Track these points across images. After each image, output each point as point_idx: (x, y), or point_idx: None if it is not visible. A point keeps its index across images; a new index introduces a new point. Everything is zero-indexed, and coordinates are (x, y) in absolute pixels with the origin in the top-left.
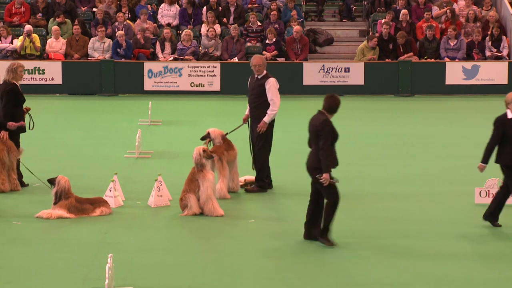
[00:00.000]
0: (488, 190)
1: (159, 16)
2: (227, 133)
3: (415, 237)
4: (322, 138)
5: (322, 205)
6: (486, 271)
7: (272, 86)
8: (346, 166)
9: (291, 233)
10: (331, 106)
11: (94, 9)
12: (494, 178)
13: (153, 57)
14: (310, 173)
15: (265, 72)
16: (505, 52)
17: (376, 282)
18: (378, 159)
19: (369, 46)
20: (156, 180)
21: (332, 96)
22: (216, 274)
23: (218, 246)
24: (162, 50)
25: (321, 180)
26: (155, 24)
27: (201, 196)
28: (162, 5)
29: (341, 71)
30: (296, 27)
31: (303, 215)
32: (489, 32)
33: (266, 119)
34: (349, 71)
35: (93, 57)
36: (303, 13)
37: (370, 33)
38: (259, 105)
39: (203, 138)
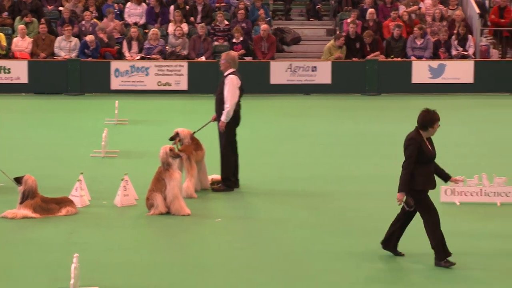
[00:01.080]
0: (454, 188)
1: (126, 15)
2: (195, 132)
3: (378, 234)
4: (405, 155)
5: (407, 223)
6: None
7: (229, 83)
8: (313, 165)
9: (258, 232)
10: (423, 121)
11: (61, 8)
12: (459, 176)
13: (120, 56)
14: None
15: (231, 70)
16: (471, 51)
17: (339, 282)
18: (345, 158)
19: (336, 45)
20: (122, 180)
21: (424, 111)
22: (183, 273)
23: (185, 245)
24: (129, 49)
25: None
26: (122, 23)
27: (168, 195)
28: (129, 4)
29: (308, 70)
30: (264, 26)
31: (270, 213)
32: (455, 31)
33: (223, 118)
34: (316, 70)
35: (60, 56)
36: (271, 12)
37: (337, 32)
38: (219, 101)
39: (172, 139)
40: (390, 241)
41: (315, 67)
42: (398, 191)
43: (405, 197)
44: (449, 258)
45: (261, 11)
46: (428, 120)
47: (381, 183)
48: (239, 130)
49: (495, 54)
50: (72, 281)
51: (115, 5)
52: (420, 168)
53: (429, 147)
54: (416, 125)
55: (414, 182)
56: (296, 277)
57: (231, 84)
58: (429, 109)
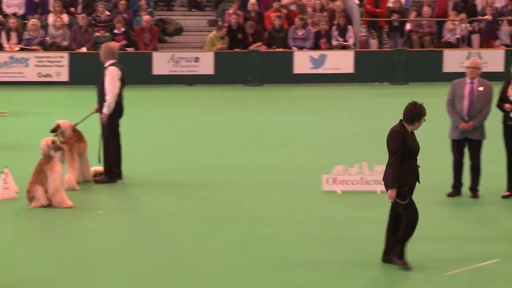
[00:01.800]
0: (335, 177)
1: (4, 6)
2: (76, 123)
3: (262, 224)
4: (389, 151)
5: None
6: (339, 251)
7: (109, 74)
8: (198, 155)
9: (141, 223)
10: (410, 115)
11: None
12: (340, 165)
13: None
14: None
15: (111, 61)
16: (351, 42)
17: (225, 268)
18: (229, 148)
19: (219, 35)
20: (2, 173)
21: (411, 104)
22: (65, 266)
23: (67, 238)
24: (8, 40)
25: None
26: (0, 14)
27: (49, 187)
28: None
29: (190, 61)
30: (145, 17)
31: (154, 205)
32: (335, 22)
33: (105, 109)
34: (198, 61)
35: None
36: (152, 3)
37: (219, 23)
38: (101, 93)
39: (53, 131)
40: (391, 253)
41: (197, 57)
42: (389, 188)
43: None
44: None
45: (143, 2)
46: (416, 113)
47: (265, 173)
48: (122, 122)
49: (374, 44)
50: None
51: None
52: (404, 163)
53: (414, 141)
54: (401, 118)
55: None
56: (181, 269)
57: (111, 76)
58: (416, 102)
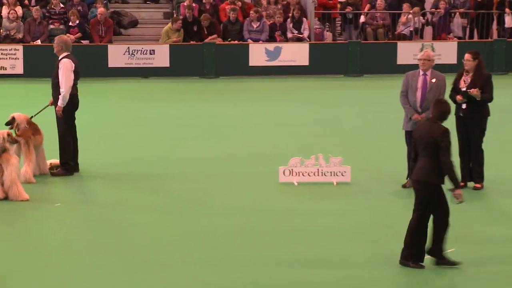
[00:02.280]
0: (292, 169)
1: None
2: (32, 116)
3: (218, 215)
4: (445, 150)
5: (426, 225)
6: (295, 243)
7: (63, 67)
8: (154, 147)
9: (98, 215)
10: (443, 112)
11: None
12: (297, 157)
13: None
14: (420, 188)
15: (64, 53)
16: (305, 34)
17: (182, 260)
18: (184, 140)
19: (174, 28)
20: None
21: (442, 102)
22: (22, 260)
23: (24, 231)
24: None
25: (456, 199)
26: None
27: (5, 180)
28: None
29: (146, 53)
30: (100, 9)
31: (111, 197)
32: (290, 14)
33: (60, 102)
34: (154, 54)
35: None
36: None
37: (174, 15)
38: (55, 85)
39: (8, 123)
40: (435, 250)
41: (153, 50)
42: (456, 188)
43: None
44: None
45: None
46: (448, 111)
47: (221, 164)
48: (78, 114)
49: (328, 37)
50: None
51: None
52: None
53: None
54: (433, 117)
55: (437, 175)
56: (136, 260)
57: (65, 68)
58: (442, 99)
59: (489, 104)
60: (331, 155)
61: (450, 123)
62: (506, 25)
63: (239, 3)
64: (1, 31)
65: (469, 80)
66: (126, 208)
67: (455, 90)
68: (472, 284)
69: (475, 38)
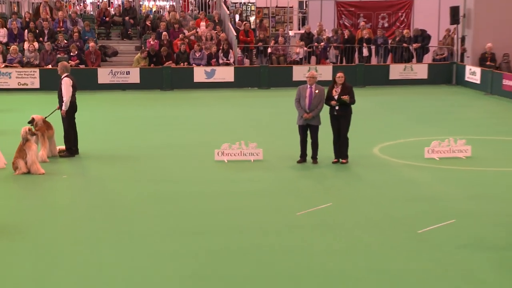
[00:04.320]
0: (223, 151)
1: None
2: (46, 117)
3: (171, 181)
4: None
5: None
6: (227, 201)
7: (64, 83)
8: (130, 138)
9: (92, 184)
10: None
11: None
12: (226, 143)
13: None
14: None
15: (65, 74)
16: (231, 60)
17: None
18: (151, 133)
19: (142, 57)
20: None
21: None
22: (38, 214)
23: (41, 194)
24: None
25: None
26: None
27: (28, 160)
28: None
29: (123, 74)
30: (91, 44)
31: (100, 172)
32: (221, 47)
33: (63, 107)
34: (129, 74)
35: None
36: (96, 34)
37: (142, 48)
38: (60, 96)
39: (29, 122)
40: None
41: (128, 71)
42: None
43: None
44: None
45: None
46: None
47: (175, 149)
48: (77, 115)
49: (247, 62)
50: None
51: None
52: None
53: None
54: None
55: None
56: (120, 213)
57: (66, 84)
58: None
59: (352, 106)
60: (250, 141)
61: (326, 119)
62: (364, 54)
63: (186, 40)
64: (24, 59)
65: (339, 90)
66: (111, 179)
67: (329, 97)
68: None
69: (344, 63)
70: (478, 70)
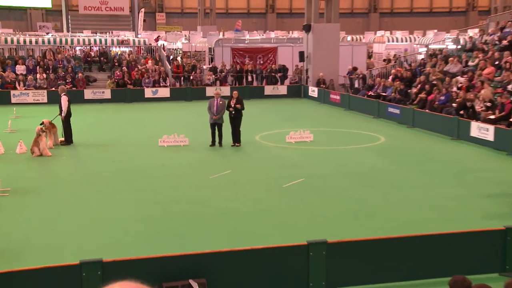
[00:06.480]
0: (164, 140)
1: (16, 70)
2: (52, 120)
3: (133, 159)
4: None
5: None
6: (163, 172)
7: (62, 99)
8: (107, 133)
9: (83, 163)
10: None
11: None
12: (166, 135)
13: (14, 87)
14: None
15: (63, 93)
16: (168, 83)
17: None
18: (118, 129)
19: (112, 82)
20: (19, 142)
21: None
22: (45, 181)
23: (48, 168)
24: (19, 85)
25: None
26: (14, 73)
27: (40, 147)
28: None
29: (100, 93)
30: (80, 74)
31: (89, 155)
32: (161, 76)
33: (62, 114)
34: (104, 93)
35: None
36: (83, 68)
37: (112, 77)
38: (60, 107)
39: (41, 124)
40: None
41: (103, 91)
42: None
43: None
44: None
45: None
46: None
47: (134, 140)
48: (72, 120)
49: (177, 85)
50: None
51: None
52: None
53: None
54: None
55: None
56: (104, 185)
57: (64, 100)
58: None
59: (243, 111)
60: (180, 134)
61: (226, 119)
62: (249, 80)
63: (139, 71)
64: (37, 84)
65: (234, 101)
66: (95, 158)
67: (228, 106)
68: None
69: (237, 85)
70: (316, 89)
